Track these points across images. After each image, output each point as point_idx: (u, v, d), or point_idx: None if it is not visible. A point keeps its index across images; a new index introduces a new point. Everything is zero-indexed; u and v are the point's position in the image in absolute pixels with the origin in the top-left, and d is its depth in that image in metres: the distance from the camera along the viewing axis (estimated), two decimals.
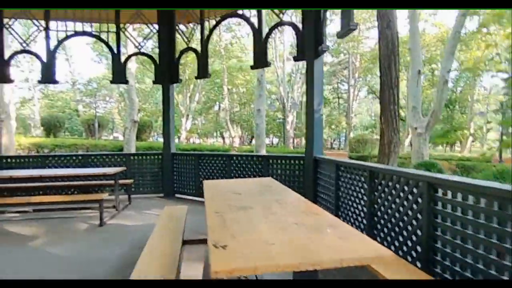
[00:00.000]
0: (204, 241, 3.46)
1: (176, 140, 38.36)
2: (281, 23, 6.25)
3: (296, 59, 5.82)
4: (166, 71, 7.47)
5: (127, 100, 17.21)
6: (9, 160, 7.38)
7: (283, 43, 31.02)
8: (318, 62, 5.26)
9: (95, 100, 30.65)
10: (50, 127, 25.47)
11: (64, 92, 37.69)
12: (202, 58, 7.05)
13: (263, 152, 14.39)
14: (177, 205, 4.75)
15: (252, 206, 2.43)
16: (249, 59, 36.91)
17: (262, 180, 4.09)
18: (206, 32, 7.10)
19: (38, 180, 6.32)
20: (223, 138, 44.21)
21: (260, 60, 6.29)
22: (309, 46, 5.30)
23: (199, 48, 7.10)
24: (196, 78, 7.24)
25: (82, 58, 62.52)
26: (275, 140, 45.79)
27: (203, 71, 7.06)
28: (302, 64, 30.94)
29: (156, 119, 33.43)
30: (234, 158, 6.76)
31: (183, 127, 32.35)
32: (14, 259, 3.96)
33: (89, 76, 37.87)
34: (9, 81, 7.27)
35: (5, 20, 7.07)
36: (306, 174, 5.52)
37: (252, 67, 6.46)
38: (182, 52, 7.56)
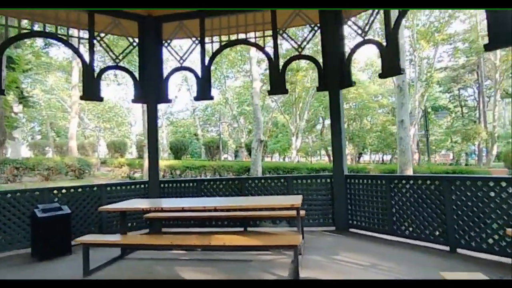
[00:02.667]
0: None
1: (287, 159, 37.53)
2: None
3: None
4: (334, 77, 5.90)
5: (253, 120, 16.53)
6: (166, 185, 6.64)
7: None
8: None
9: (219, 123, 31.68)
10: (177, 150, 26.86)
11: (185, 119, 40.46)
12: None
13: (410, 171, 11.79)
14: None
15: None
16: (359, 73, 34.21)
17: None
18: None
19: (201, 210, 5.24)
20: (329, 156, 41.69)
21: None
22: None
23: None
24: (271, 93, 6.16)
25: None
26: (385, 157, 41.32)
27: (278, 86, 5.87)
28: (419, 73, 27.13)
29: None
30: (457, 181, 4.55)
31: (293, 146, 31.11)
32: None
33: (206, 103, 39.96)
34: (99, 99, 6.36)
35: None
36: None
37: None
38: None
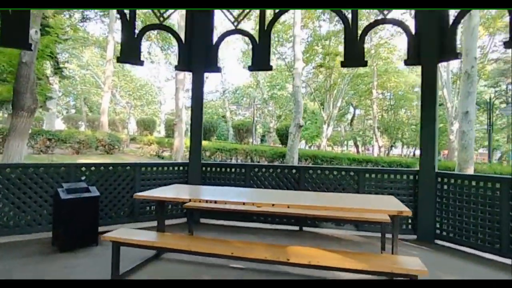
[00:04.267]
0: None
1: (313, 148, 35.93)
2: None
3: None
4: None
5: (293, 103, 15.23)
6: (208, 169, 5.57)
7: None
8: None
9: (253, 104, 30.49)
10: (205, 131, 25.98)
11: (214, 100, 39.50)
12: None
13: (471, 170, 10.18)
14: None
15: None
16: (397, 62, 31.78)
17: None
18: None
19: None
20: (357, 147, 39.77)
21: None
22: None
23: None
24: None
25: (231, 68, 65.82)
26: (417, 152, 38.82)
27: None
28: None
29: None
30: None
31: (324, 134, 29.52)
32: None
33: (237, 85, 38.84)
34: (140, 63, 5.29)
35: None
36: None
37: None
38: None
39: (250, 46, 5.23)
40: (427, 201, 4.56)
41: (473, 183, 4.16)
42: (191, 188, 4.32)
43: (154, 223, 5.11)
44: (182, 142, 16.33)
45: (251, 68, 5.21)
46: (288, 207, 3.02)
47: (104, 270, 3.39)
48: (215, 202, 3.18)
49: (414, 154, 39.15)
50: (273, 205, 3.05)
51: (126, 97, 38.50)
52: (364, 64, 4.75)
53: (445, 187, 4.47)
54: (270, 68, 5.17)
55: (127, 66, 36.02)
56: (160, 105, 38.54)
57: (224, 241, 3.14)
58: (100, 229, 4.33)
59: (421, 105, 4.68)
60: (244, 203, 3.11)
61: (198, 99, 5.46)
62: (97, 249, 4.09)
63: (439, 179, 4.53)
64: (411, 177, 4.73)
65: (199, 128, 5.46)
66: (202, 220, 5.44)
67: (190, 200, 3.66)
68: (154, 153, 18.33)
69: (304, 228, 5.08)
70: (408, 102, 31.60)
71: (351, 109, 39.15)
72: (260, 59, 5.11)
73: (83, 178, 4.76)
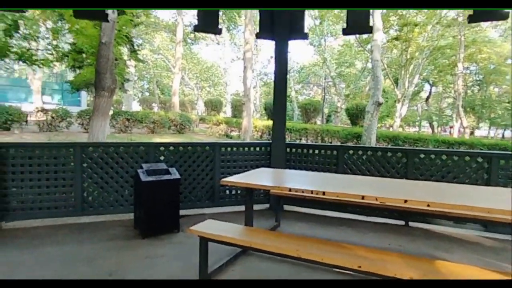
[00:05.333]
0: None
1: (387, 129, 33.16)
2: None
3: None
4: None
5: (371, 79, 13.75)
6: (293, 150, 4.87)
7: None
8: None
9: (325, 82, 29.04)
10: (271, 111, 25.43)
11: None
12: None
13: None
14: None
15: None
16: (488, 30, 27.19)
17: None
18: None
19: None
20: (432, 127, 35.80)
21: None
22: None
23: None
24: None
25: (298, 45, 62.43)
26: (506, 133, 33.52)
27: None
28: None
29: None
30: None
31: (398, 114, 26.85)
32: None
33: (302, 64, 37.33)
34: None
35: None
36: None
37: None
38: None
39: (317, 22, 4.29)
40: None
41: None
42: (279, 173, 3.67)
43: (236, 208, 4.65)
44: (250, 122, 15.94)
45: (346, 32, 4.28)
46: (429, 205, 2.16)
47: (189, 264, 2.95)
48: (324, 193, 2.45)
49: (503, 136, 34.04)
50: (405, 201, 2.21)
51: (194, 79, 39.57)
52: (369, 31, 3.70)
53: None
54: (370, 30, 4.20)
55: (195, 48, 36.79)
56: (225, 86, 38.85)
57: (335, 244, 2.42)
58: (181, 212, 3.98)
59: None
60: (363, 197, 2.32)
61: (282, 71, 4.72)
62: (179, 236, 3.70)
63: None
64: None
65: (282, 104, 4.75)
66: (286, 207, 4.82)
67: (289, 189, 3.00)
68: (222, 132, 18.31)
69: (411, 224, 4.15)
70: (500, 76, 27.11)
71: (427, 87, 35.18)
72: (357, 20, 4.14)
73: (161, 157, 4.41)
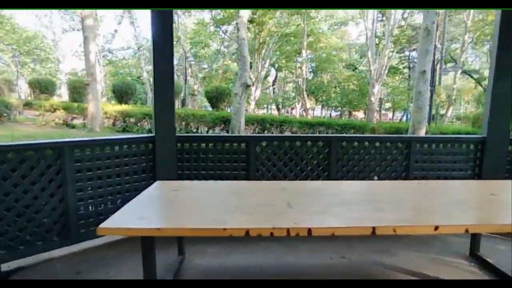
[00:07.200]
0: None
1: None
2: None
3: None
4: None
5: (238, 58, 13.16)
6: (187, 145, 3.56)
7: None
8: None
9: (185, 61, 26.77)
10: (122, 94, 22.22)
11: (127, 59, 34.40)
12: None
13: (423, 132, 10.00)
14: None
15: None
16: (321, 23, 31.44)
17: None
18: None
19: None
20: (278, 109, 39.93)
21: None
22: None
23: None
24: None
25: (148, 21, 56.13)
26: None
27: None
28: (392, 27, 25.43)
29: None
30: None
31: (252, 97, 28.13)
32: None
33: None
34: None
35: None
36: None
37: None
38: None
39: None
40: None
41: None
42: (175, 193, 2.41)
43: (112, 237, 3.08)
44: (98, 107, 13.10)
45: None
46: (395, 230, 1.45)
47: None
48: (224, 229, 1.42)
49: (330, 116, 40.98)
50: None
51: (8, 52, 30.73)
52: None
53: None
54: None
55: (5, 11, 28.32)
56: (58, 63, 31.92)
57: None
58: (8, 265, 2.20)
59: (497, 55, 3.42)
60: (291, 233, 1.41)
61: (166, 44, 3.28)
62: None
63: None
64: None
65: (169, 85, 3.35)
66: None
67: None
68: (61, 121, 14.54)
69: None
70: (330, 64, 31.92)
71: (273, 71, 38.57)
72: None
73: None
